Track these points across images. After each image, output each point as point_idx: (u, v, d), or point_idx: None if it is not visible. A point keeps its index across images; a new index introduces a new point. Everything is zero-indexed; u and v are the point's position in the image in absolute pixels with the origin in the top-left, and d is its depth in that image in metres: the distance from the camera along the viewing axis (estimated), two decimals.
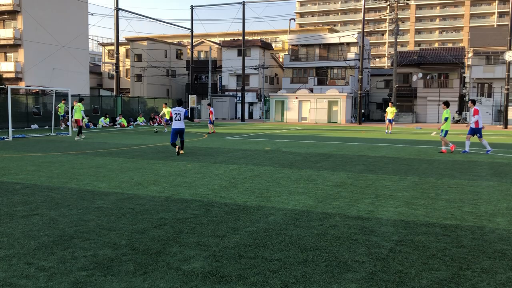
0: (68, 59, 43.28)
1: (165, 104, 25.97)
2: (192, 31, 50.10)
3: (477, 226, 5.73)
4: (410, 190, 8.12)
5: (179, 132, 13.80)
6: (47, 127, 28.26)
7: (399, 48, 77.52)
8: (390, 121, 26.39)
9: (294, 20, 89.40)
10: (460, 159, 13.29)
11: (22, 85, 38.89)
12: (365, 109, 52.47)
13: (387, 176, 9.73)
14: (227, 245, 4.84)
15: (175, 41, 72.73)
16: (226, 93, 55.35)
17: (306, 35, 56.90)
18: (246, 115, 52.58)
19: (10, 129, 19.89)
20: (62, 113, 28.15)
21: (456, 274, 4.06)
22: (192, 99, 47.33)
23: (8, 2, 39.41)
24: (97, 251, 4.62)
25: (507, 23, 45.24)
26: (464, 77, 56.98)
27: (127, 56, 59.06)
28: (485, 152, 14.94)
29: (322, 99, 44.25)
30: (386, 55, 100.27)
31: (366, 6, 45.77)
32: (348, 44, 51.74)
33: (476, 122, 15.05)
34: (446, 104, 15.51)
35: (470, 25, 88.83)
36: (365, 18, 46.67)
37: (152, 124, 36.34)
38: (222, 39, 70.43)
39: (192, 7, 49.34)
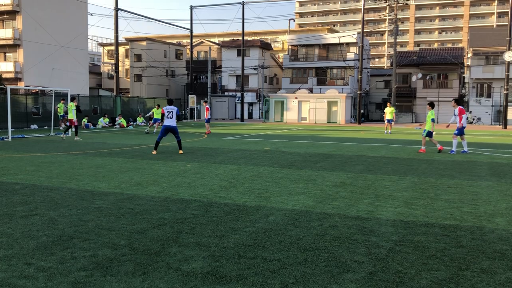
0: (67, 59, 43.28)
1: (158, 105, 25.38)
2: (191, 31, 50.11)
3: (476, 226, 5.74)
4: (410, 190, 8.12)
5: (169, 130, 13.91)
6: (46, 127, 28.25)
7: (399, 48, 77.57)
8: (389, 121, 26.40)
9: (294, 20, 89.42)
10: (459, 159, 13.30)
11: (21, 85, 38.88)
12: (364, 110, 52.48)
13: (387, 177, 9.73)
14: (227, 245, 4.84)
15: (175, 41, 72.75)
16: (226, 93, 55.35)
17: (305, 35, 56.91)
18: (246, 115, 52.59)
19: (10, 129, 19.88)
20: (62, 113, 28.14)
21: (456, 274, 4.06)
22: (192, 99, 47.32)
23: (8, 2, 39.39)
24: (96, 251, 4.62)
25: (506, 23, 45.29)
26: (464, 77, 57.02)
27: (126, 56, 59.06)
28: (461, 151, 14.99)
29: (321, 99, 44.25)
30: (386, 55, 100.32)
31: (365, 7, 45.78)
32: (348, 44, 51.76)
33: (460, 121, 15.03)
34: (431, 105, 15.65)
35: (470, 25, 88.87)
36: (365, 19, 46.69)
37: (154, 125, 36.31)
38: (221, 39, 70.45)
39: (191, 7, 49.36)
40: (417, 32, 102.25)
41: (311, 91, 49.45)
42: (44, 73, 40.96)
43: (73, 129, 20.27)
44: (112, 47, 48.02)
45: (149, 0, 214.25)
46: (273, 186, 8.45)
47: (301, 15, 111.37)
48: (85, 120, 30.62)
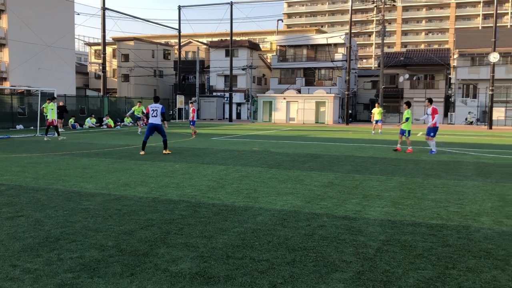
0: (54, 59, 42.82)
1: (140, 102, 24.89)
2: (179, 31, 49.95)
3: (462, 225, 5.80)
4: (397, 190, 8.18)
5: (154, 128, 13.83)
6: (32, 127, 27.92)
7: (386, 49, 78.12)
8: (378, 121, 26.56)
9: (282, 21, 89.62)
10: (445, 159, 13.44)
11: (7, 85, 38.37)
12: (352, 110, 52.78)
13: (374, 177, 9.80)
14: (215, 246, 4.83)
15: (163, 41, 72.41)
16: (214, 93, 55.26)
17: (293, 36, 57.07)
18: (234, 116, 52.54)
19: None
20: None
21: (442, 273, 4.10)
22: (180, 99, 47.16)
23: None
24: (83, 253, 4.58)
25: (491, 25, 45.84)
26: (450, 78, 57.64)
27: (114, 56, 58.64)
28: (429, 152, 14.97)
29: (309, 99, 44.42)
30: (373, 56, 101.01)
31: (353, 8, 46.08)
32: (336, 45, 52.02)
33: (432, 120, 14.87)
34: (408, 104, 15.77)
35: (456, 27, 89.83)
36: (352, 19, 46.97)
37: (138, 124, 36.02)
38: (209, 39, 70.32)
39: (179, 7, 49.19)
40: (404, 33, 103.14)
41: (299, 91, 49.61)
42: (30, 72, 40.48)
43: (55, 129, 20.05)
44: (99, 47, 47.65)
45: (137, 0, 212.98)
46: (262, 186, 8.46)
47: (289, 15, 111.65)
48: (71, 121, 30.32)
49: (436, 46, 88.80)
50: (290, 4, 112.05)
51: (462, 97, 48.52)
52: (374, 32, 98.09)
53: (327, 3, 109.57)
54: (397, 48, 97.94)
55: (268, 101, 45.44)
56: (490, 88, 38.64)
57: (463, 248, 4.86)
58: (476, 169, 11.32)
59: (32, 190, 7.88)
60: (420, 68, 50.88)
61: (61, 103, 27.67)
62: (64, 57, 44.23)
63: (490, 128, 37.41)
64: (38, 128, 24.29)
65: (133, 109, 24.46)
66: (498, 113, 44.33)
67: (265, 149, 15.90)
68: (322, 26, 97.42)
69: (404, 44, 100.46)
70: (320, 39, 53.21)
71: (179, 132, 25.85)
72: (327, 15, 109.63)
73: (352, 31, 44.52)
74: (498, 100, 43.96)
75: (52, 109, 20.08)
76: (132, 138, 21.21)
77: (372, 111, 27.40)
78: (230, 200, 7.19)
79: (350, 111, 47.15)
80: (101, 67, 40.46)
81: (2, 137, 20.56)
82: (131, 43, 57.26)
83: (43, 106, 27.54)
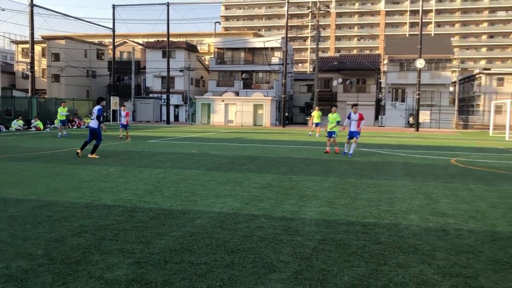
0: None
1: (64, 102, 23.73)
2: (113, 31, 48.44)
3: (393, 223, 6.09)
4: (332, 191, 8.44)
5: (91, 131, 13.73)
6: None
7: (321, 54, 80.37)
8: (317, 124, 27.19)
9: (220, 24, 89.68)
10: (377, 160, 14.05)
11: None
12: (289, 113, 53.80)
13: (310, 177, 10.04)
14: (152, 251, 4.73)
15: (96, 40, 69.87)
16: (151, 95, 54.13)
17: (231, 38, 57.23)
18: (172, 118, 51.71)
19: None
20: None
21: (375, 270, 4.28)
22: (114, 100, 45.69)
23: None
24: (9, 263, 4.31)
25: (417, 33, 48.54)
26: (380, 82, 60.37)
27: (43, 55, 55.74)
28: (344, 154, 15.36)
29: (247, 102, 44.76)
30: (309, 60, 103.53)
31: (289, 13, 47.02)
32: (273, 49, 52.80)
33: (359, 125, 15.18)
34: (335, 106, 16.66)
35: (385, 33, 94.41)
36: (288, 24, 47.90)
37: (71, 127, 34.50)
38: (146, 40, 68.83)
39: (113, 6, 47.73)
40: (338, 38, 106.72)
41: (237, 94, 49.86)
42: None
43: None
44: (27, 45, 45.08)
45: None
46: (200, 189, 8.40)
47: (227, 18, 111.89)
48: None
49: (367, 52, 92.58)
50: (227, 7, 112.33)
51: (392, 100, 51.01)
52: (309, 37, 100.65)
53: (264, 7, 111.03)
54: (331, 53, 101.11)
55: (206, 104, 45.23)
56: (417, 92, 40.97)
57: (393, 245, 5.10)
58: (405, 169, 11.93)
59: None
60: (353, 73, 52.84)
61: None
62: None
63: (417, 130, 39.61)
64: None
65: (59, 110, 23.30)
66: (424, 116, 47.10)
67: (203, 152, 15.80)
68: (259, 30, 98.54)
69: (337, 49, 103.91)
70: (257, 42, 53.79)
71: (114, 135, 25.03)
72: (264, 19, 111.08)
73: (288, 36, 45.41)
74: (424, 104, 46.64)
75: None
76: (63, 141, 20.26)
77: (312, 114, 28.07)
78: (168, 203, 7.07)
79: (286, 114, 48.00)
80: (29, 67, 38.31)
81: None
82: (62, 41, 54.71)
83: (61, 110, 25.04)
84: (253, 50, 53.74)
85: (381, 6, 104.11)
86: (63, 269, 4.16)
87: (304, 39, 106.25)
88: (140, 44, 59.13)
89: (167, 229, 5.60)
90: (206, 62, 60.63)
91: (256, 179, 9.73)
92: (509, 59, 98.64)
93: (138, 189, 8.31)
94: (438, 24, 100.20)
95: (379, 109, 53.89)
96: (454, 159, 14.68)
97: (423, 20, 44.59)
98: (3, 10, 41.79)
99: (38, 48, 52.98)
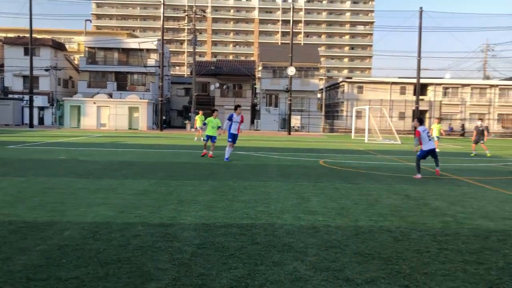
0: None
1: None
2: None
3: (268, 223, 6.30)
4: (210, 194, 8.47)
5: None
6: None
7: (198, 58, 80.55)
8: (201, 128, 27.12)
9: (91, 22, 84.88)
10: (253, 162, 14.48)
11: None
12: (166, 116, 53.00)
13: (189, 182, 9.97)
14: (12, 269, 4.25)
15: None
16: (10, 95, 49.13)
17: (104, 38, 54.60)
18: (36, 121, 47.52)
19: None
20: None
21: (252, 270, 4.38)
22: None
23: None
24: None
25: (288, 41, 51.32)
26: (256, 88, 62.59)
27: None
28: (225, 159, 14.99)
29: (122, 105, 43.08)
30: (186, 63, 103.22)
31: (165, 15, 46.35)
32: (148, 50, 51.63)
33: (239, 129, 15.32)
34: (216, 111, 16.86)
35: (259, 41, 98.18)
36: (165, 26, 47.22)
37: None
38: (4, 34, 62.33)
39: None
40: (214, 43, 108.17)
41: (110, 96, 47.72)
42: None
43: None
44: None
45: None
46: (70, 198, 7.81)
47: (98, 16, 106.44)
48: None
49: (243, 58, 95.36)
50: (99, 5, 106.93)
51: (266, 105, 53.21)
52: (186, 41, 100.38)
53: (139, 8, 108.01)
54: (208, 57, 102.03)
55: (76, 106, 42.46)
56: (289, 98, 43.33)
57: (269, 244, 5.28)
58: (279, 170, 12.49)
59: None
60: (230, 78, 53.99)
61: None
62: None
63: (289, 133, 41.86)
64: None
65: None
66: (295, 120, 49.99)
67: (73, 157, 14.76)
68: (134, 31, 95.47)
69: (214, 54, 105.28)
70: (132, 43, 52.14)
71: None
72: (139, 19, 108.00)
73: (164, 38, 44.73)
74: (295, 109, 49.46)
75: None
76: None
77: (196, 118, 27.99)
78: (32, 215, 6.43)
79: (164, 117, 47.22)
80: None
81: None
82: None
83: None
84: (127, 51, 51.96)
85: (255, 14, 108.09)
86: None
87: (181, 42, 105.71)
88: None
89: (31, 243, 5.09)
90: (76, 62, 56.94)
91: (132, 185, 9.36)
92: (368, 69, 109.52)
93: None
94: (307, 35, 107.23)
95: (255, 114, 55.80)
96: (322, 160, 15.77)
97: (294, 30, 47.32)
98: None
99: None
